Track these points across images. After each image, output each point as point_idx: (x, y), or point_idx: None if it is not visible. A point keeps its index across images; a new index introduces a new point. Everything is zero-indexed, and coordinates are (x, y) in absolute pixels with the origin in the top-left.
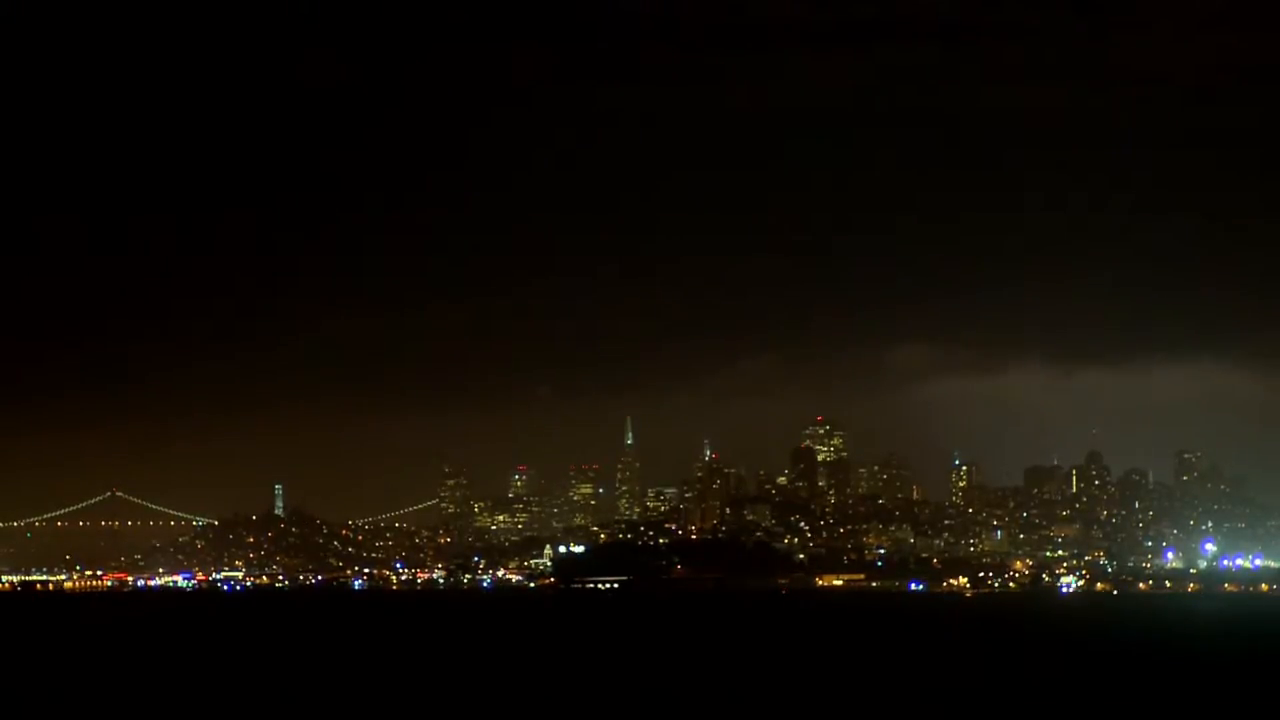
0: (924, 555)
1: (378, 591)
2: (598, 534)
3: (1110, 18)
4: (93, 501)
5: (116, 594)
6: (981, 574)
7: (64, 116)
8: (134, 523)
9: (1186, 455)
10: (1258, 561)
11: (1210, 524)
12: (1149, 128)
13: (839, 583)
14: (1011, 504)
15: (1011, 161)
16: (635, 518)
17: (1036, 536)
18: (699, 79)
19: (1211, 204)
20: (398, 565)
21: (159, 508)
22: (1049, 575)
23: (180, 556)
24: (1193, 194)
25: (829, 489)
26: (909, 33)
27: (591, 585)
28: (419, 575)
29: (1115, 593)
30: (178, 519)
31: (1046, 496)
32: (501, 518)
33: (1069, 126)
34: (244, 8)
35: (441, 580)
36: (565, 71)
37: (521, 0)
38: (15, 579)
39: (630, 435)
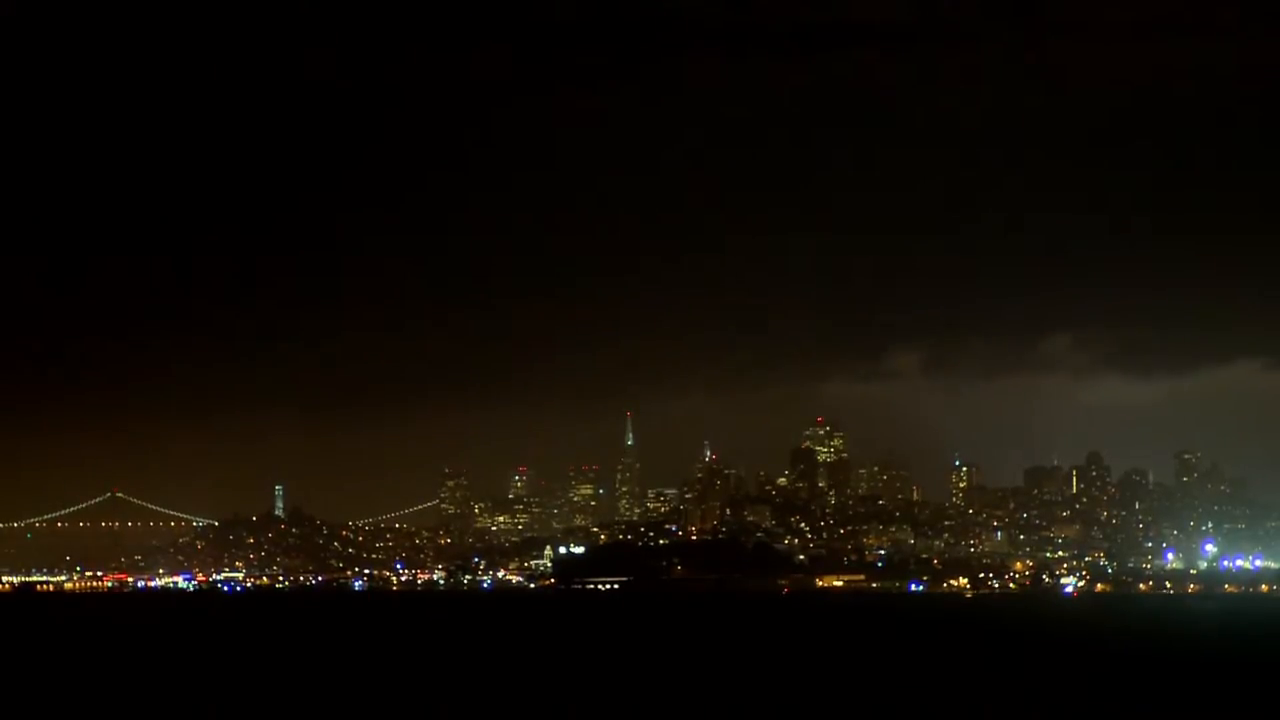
0: (924, 556)
1: (378, 592)
2: (598, 535)
3: (1051, 21)
4: (93, 502)
5: (117, 595)
6: (981, 575)
7: (59, 118)
8: (134, 523)
9: (1186, 455)
10: (1258, 562)
11: (1210, 525)
12: (1095, 129)
13: (839, 583)
14: (1011, 504)
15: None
16: (635, 518)
17: (1036, 537)
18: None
19: (1191, 203)
20: (398, 566)
21: (159, 508)
22: (1049, 576)
23: (180, 557)
24: (1167, 194)
25: (829, 489)
26: (852, 38)
27: (591, 586)
28: (419, 576)
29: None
30: (178, 519)
31: (1046, 497)
32: (501, 518)
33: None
34: (244, 7)
35: (441, 581)
36: (565, 76)
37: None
38: (15, 580)
39: (630, 435)
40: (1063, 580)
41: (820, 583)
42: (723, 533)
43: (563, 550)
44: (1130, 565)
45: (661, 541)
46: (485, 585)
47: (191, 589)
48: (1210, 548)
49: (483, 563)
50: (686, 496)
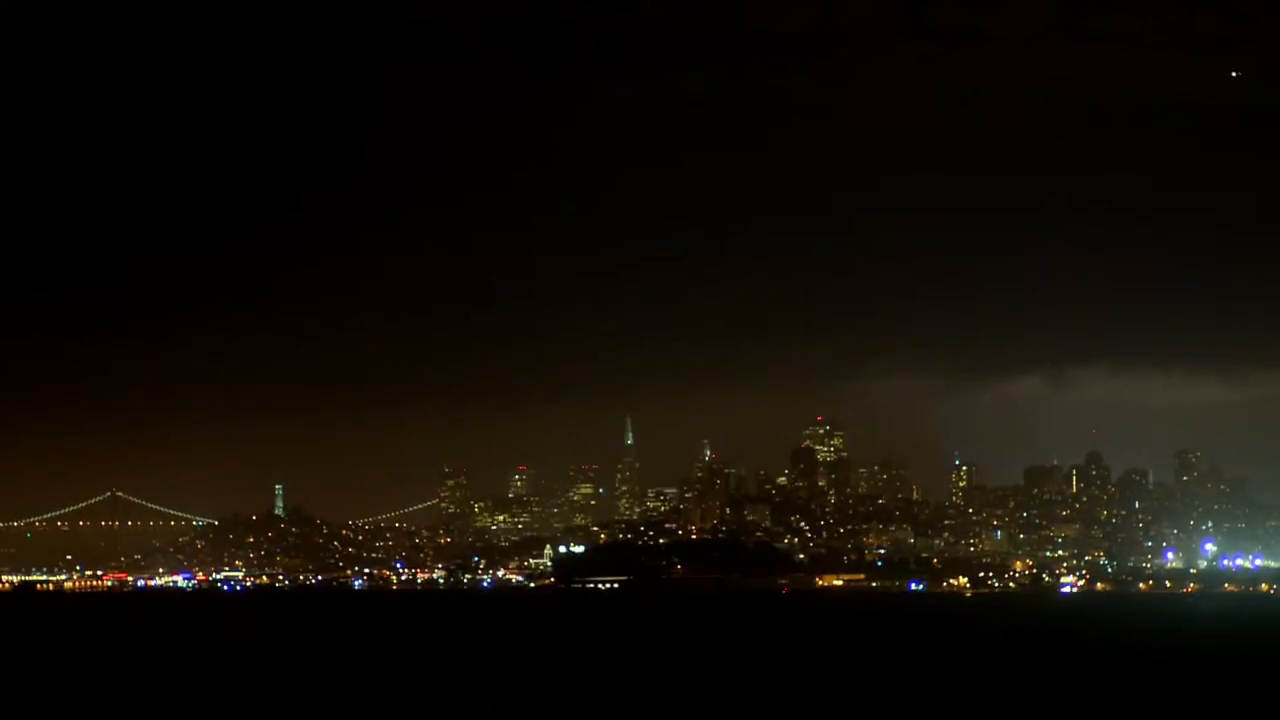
0: (924, 555)
1: (378, 592)
2: (598, 534)
3: (945, 31)
4: (93, 501)
5: (117, 594)
6: (981, 574)
7: (58, 122)
8: (134, 523)
9: (1186, 455)
10: (1258, 561)
11: (1210, 524)
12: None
13: (839, 583)
14: (1011, 504)
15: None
16: (635, 518)
17: (1036, 536)
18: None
19: (1185, 204)
20: (398, 565)
21: (159, 508)
22: (1049, 575)
23: (180, 556)
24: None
25: (829, 489)
26: (747, 46)
27: (591, 585)
28: (419, 575)
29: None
30: (178, 519)
31: (1046, 496)
32: (502, 518)
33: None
34: (241, 8)
35: (441, 580)
36: (562, 71)
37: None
38: (15, 579)
39: (630, 435)
40: (1062, 580)
41: (820, 582)
42: (723, 532)
43: (563, 549)
44: (1130, 565)
45: (661, 541)
46: (485, 584)
47: (191, 588)
48: (1210, 547)
49: (483, 562)
50: (686, 496)
